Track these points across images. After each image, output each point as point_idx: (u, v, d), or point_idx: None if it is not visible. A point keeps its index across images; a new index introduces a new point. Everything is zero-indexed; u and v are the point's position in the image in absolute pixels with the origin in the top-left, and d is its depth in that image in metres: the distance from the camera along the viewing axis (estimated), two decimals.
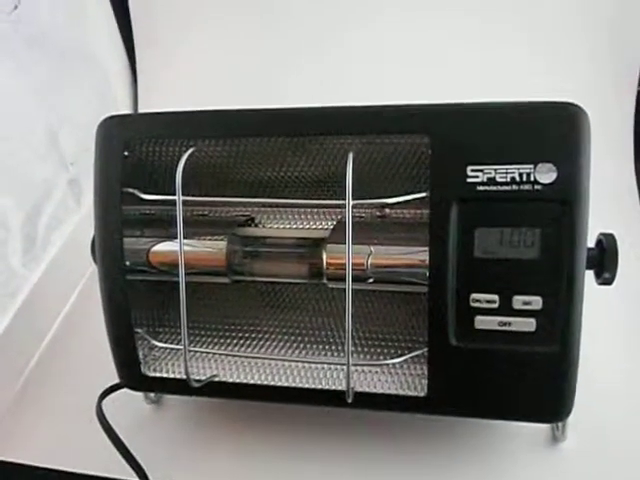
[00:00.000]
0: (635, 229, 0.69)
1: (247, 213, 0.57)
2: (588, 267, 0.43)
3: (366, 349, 0.52)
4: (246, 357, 0.52)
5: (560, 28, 0.79)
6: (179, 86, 0.89)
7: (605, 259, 0.44)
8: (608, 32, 0.79)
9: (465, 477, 0.52)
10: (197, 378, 0.50)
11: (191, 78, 0.89)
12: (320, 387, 0.49)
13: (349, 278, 0.42)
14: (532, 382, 0.43)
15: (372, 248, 0.48)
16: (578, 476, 0.51)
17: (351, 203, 0.42)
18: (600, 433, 0.52)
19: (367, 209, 0.53)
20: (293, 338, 0.54)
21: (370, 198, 0.46)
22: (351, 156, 0.43)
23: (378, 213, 0.53)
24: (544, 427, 0.53)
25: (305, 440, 0.56)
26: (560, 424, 0.51)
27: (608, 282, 0.45)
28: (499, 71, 0.80)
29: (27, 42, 0.71)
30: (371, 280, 0.48)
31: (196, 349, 0.53)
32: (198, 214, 0.57)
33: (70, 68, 0.80)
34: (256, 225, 0.57)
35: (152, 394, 0.60)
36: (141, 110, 0.91)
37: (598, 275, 0.45)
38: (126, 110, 0.91)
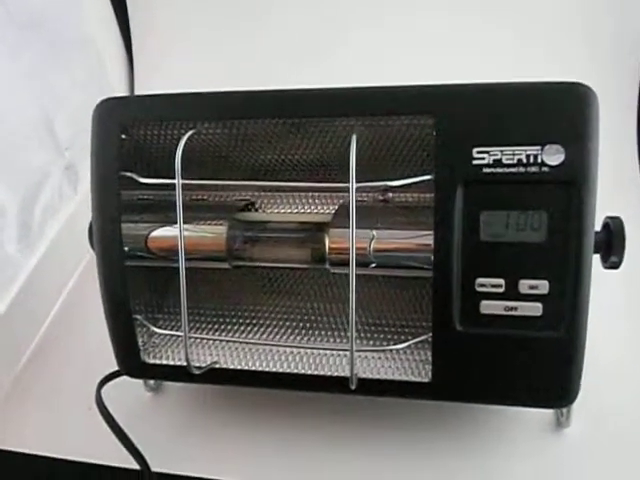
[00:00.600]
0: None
1: (247, 197, 0.56)
2: (595, 251, 0.42)
3: (369, 335, 0.51)
4: (247, 343, 0.52)
5: (559, 18, 0.79)
6: (176, 69, 0.88)
7: (612, 243, 0.43)
8: (609, 21, 0.78)
9: (468, 462, 0.51)
10: (197, 365, 0.49)
11: (189, 61, 0.88)
12: (323, 373, 0.48)
13: (352, 263, 0.42)
14: (538, 367, 0.43)
15: (375, 232, 0.47)
16: (582, 462, 0.50)
17: (355, 186, 0.41)
18: (605, 419, 0.52)
19: (369, 193, 0.52)
20: (295, 324, 0.53)
21: (373, 181, 0.45)
22: (354, 138, 0.42)
23: (381, 197, 0.52)
24: (548, 412, 0.53)
25: (307, 426, 0.55)
26: (565, 409, 0.51)
27: (615, 266, 0.44)
28: (498, 66, 0.78)
29: (19, 25, 0.70)
30: (374, 265, 0.47)
31: (196, 335, 0.53)
32: (197, 198, 0.56)
33: (64, 51, 0.78)
34: (256, 210, 0.56)
35: (152, 381, 0.60)
36: (137, 93, 0.90)
37: (605, 259, 0.44)
38: (122, 93, 0.89)
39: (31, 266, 0.70)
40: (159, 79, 0.88)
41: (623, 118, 0.75)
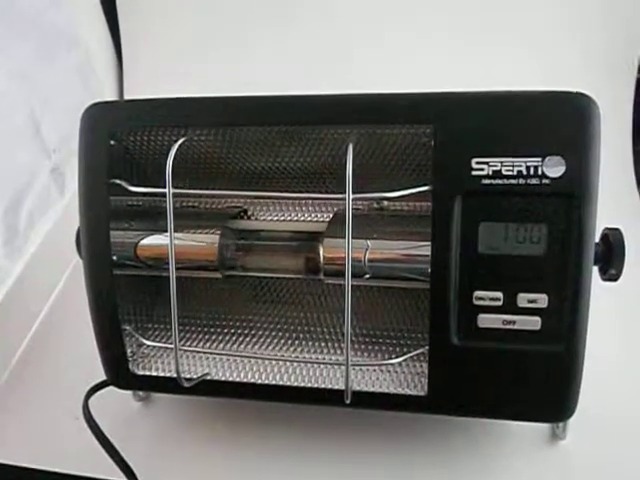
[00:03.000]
0: (634, 223, 0.68)
1: (240, 205, 0.55)
2: (593, 263, 0.41)
3: (363, 346, 0.50)
4: (239, 356, 0.51)
5: (555, 23, 0.78)
6: (167, 73, 0.86)
7: (611, 255, 0.43)
8: (604, 27, 0.78)
9: (464, 476, 0.51)
10: (188, 377, 0.48)
11: (179, 65, 0.86)
12: (317, 386, 0.47)
13: (348, 274, 0.41)
14: (536, 382, 0.42)
15: (369, 242, 0.46)
16: (578, 474, 0.50)
17: (351, 197, 0.40)
18: (601, 431, 0.51)
19: (364, 202, 0.51)
20: (288, 335, 0.52)
21: (369, 191, 0.44)
22: (351, 147, 0.41)
23: (376, 206, 0.51)
24: (544, 425, 0.52)
25: (299, 439, 0.55)
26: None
27: (614, 278, 0.44)
28: (496, 65, 0.78)
29: (7, 26, 0.68)
30: (368, 276, 0.46)
31: (187, 348, 0.51)
32: (188, 206, 0.55)
33: (52, 53, 0.77)
34: (249, 217, 0.55)
35: (140, 392, 0.58)
36: (126, 97, 0.89)
37: (604, 271, 0.44)
38: (111, 96, 0.88)
39: (17, 270, 0.69)
40: (149, 82, 0.87)
41: (618, 126, 0.75)
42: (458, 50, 0.79)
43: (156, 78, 0.86)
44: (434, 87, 0.42)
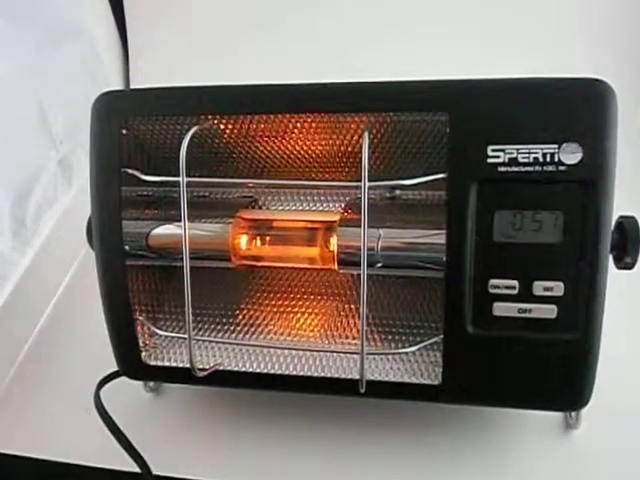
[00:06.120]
0: None
1: (250, 194, 0.54)
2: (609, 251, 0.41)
3: (377, 336, 0.50)
4: (252, 346, 0.50)
5: (558, 13, 0.78)
6: (173, 62, 0.86)
7: (626, 243, 0.42)
8: (607, 15, 0.77)
9: (475, 464, 0.51)
10: (200, 367, 0.48)
11: (186, 54, 0.86)
12: (330, 375, 0.47)
13: (364, 263, 0.40)
14: (551, 370, 0.42)
15: (382, 231, 0.46)
16: (591, 464, 0.50)
17: (367, 185, 0.40)
18: (614, 420, 0.51)
19: (377, 190, 0.51)
20: (301, 325, 0.52)
21: (382, 179, 0.44)
22: (367, 135, 0.40)
23: (388, 194, 0.51)
24: (557, 414, 0.52)
25: (312, 428, 0.55)
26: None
27: (629, 267, 0.43)
28: (498, 59, 0.78)
29: (13, 16, 0.68)
30: (380, 265, 0.46)
31: (201, 338, 0.51)
32: (198, 195, 0.55)
33: (58, 43, 0.76)
34: (259, 207, 0.54)
35: (151, 382, 0.58)
36: (132, 87, 0.88)
37: (618, 259, 0.43)
38: (116, 87, 0.87)
39: (26, 263, 0.68)
40: (155, 72, 0.86)
41: (632, 113, 0.75)
42: (458, 51, 0.79)
43: (162, 68, 0.86)
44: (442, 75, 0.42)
